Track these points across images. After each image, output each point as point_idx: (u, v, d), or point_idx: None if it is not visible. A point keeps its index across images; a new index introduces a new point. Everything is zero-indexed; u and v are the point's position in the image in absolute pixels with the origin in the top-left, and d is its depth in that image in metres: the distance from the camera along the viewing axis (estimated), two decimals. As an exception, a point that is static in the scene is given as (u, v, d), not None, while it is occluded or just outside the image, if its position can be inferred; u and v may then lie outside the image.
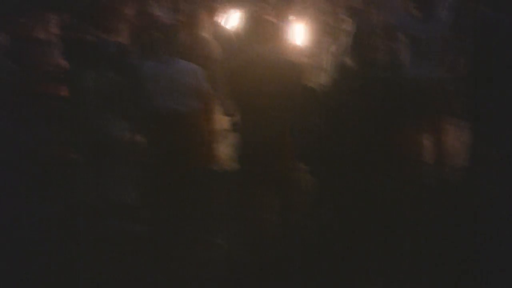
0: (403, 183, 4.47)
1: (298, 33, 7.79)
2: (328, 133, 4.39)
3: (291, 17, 7.88)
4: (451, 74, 6.89)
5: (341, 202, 4.49)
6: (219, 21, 9.01)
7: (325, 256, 5.32)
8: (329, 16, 8.54)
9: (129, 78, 6.20)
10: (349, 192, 4.36)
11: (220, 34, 8.41)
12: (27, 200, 5.01)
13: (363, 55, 4.28)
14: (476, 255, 5.37)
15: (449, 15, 6.54)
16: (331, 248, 5.09)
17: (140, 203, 6.26)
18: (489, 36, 6.16)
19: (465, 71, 6.15)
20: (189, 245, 5.83)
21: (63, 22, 7.17)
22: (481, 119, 6.15)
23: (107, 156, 5.89)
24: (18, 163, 4.90)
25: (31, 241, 4.91)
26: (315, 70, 8.10)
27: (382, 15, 7.31)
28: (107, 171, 5.94)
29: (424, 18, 6.44)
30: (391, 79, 4.38)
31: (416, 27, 6.37)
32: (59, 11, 7.20)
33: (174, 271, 5.55)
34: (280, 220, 5.27)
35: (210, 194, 6.01)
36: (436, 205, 6.11)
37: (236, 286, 5.35)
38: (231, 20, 8.72)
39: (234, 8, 9.15)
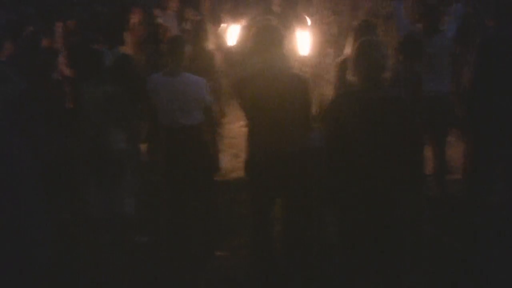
0: (413, 196, 4.48)
1: (304, 44, 7.81)
2: (335, 145, 4.37)
3: (297, 28, 7.89)
4: (457, 87, 6.93)
5: (347, 213, 4.48)
6: (224, 32, 9.05)
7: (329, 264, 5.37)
8: (335, 27, 8.58)
9: (134, 90, 6.22)
10: (355, 204, 4.35)
11: (225, 45, 8.44)
12: (32, 210, 5.00)
13: (370, 67, 4.26)
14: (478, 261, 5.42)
15: (455, 29, 6.55)
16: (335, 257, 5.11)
17: (145, 214, 6.28)
18: (493, 49, 6.20)
19: (471, 84, 6.16)
20: (193, 256, 5.83)
21: (68, 33, 7.23)
22: (486, 131, 6.18)
23: (111, 167, 5.88)
24: (22, 173, 4.89)
25: (35, 250, 4.90)
26: (321, 82, 8.15)
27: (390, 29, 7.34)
28: (111, 182, 5.93)
29: (432, 32, 6.44)
30: (399, 93, 4.39)
31: (424, 41, 6.37)
32: (65, 22, 7.26)
33: (179, 282, 5.56)
34: (286, 229, 5.26)
35: (215, 205, 6.01)
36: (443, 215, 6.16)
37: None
38: (237, 31, 8.73)
39: (240, 19, 9.18)
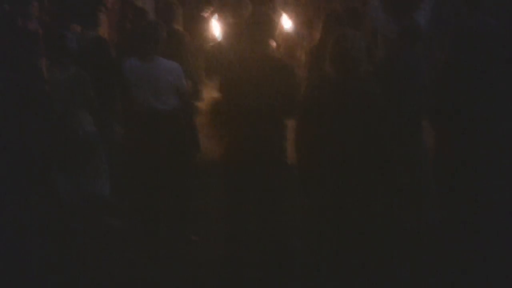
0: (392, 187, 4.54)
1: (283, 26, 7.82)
2: (317, 134, 4.43)
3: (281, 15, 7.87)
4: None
5: (325, 203, 4.55)
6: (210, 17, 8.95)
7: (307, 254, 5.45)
8: (310, 9, 8.59)
9: (109, 75, 6.21)
10: (330, 196, 4.42)
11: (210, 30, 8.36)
12: (6, 196, 5.02)
13: (345, 61, 4.31)
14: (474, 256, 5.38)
15: (430, 18, 6.57)
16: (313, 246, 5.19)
17: (120, 198, 6.29)
18: (465, 38, 6.26)
19: (447, 74, 6.19)
20: (168, 240, 5.87)
21: (42, 16, 7.12)
22: (463, 121, 6.24)
23: (85, 151, 5.87)
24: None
25: (11, 236, 4.93)
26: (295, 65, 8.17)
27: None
28: (80, 165, 5.92)
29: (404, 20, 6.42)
30: (374, 85, 4.43)
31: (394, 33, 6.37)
32: (40, 5, 7.13)
33: (154, 266, 5.59)
34: (262, 217, 5.32)
35: (190, 189, 6.04)
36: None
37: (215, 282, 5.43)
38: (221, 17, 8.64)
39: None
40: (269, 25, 5.03)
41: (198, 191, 6.40)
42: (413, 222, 5.67)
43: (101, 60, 6.34)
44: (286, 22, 8.13)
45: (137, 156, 5.83)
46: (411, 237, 5.56)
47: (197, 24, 8.45)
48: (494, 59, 6.08)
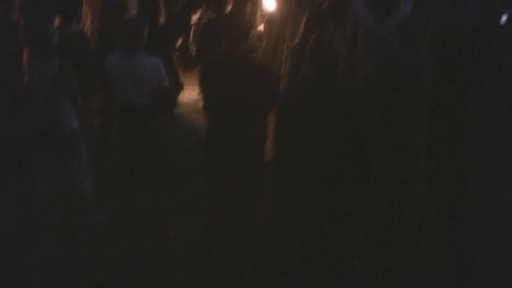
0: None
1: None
2: (295, 133, 4.48)
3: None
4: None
5: (303, 198, 4.61)
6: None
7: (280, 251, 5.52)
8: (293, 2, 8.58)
9: (88, 69, 6.21)
10: (313, 193, 4.48)
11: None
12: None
13: (322, 63, 4.35)
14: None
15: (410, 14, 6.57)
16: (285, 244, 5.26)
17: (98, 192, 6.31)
18: (445, 32, 6.32)
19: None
20: (143, 236, 5.90)
21: (25, 8, 7.10)
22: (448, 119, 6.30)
23: (64, 145, 5.87)
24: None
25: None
26: (277, 59, 8.18)
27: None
28: (63, 159, 5.92)
29: (384, 14, 6.43)
30: (352, 86, 4.49)
31: (376, 27, 6.40)
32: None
33: (130, 261, 5.64)
34: (240, 212, 5.37)
35: (169, 185, 6.08)
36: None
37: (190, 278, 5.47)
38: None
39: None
40: (245, 25, 5.07)
41: (177, 187, 6.45)
42: (397, 218, 5.71)
43: (81, 54, 6.33)
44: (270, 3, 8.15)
45: (117, 150, 5.86)
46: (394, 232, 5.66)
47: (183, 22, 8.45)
48: (475, 52, 6.18)
